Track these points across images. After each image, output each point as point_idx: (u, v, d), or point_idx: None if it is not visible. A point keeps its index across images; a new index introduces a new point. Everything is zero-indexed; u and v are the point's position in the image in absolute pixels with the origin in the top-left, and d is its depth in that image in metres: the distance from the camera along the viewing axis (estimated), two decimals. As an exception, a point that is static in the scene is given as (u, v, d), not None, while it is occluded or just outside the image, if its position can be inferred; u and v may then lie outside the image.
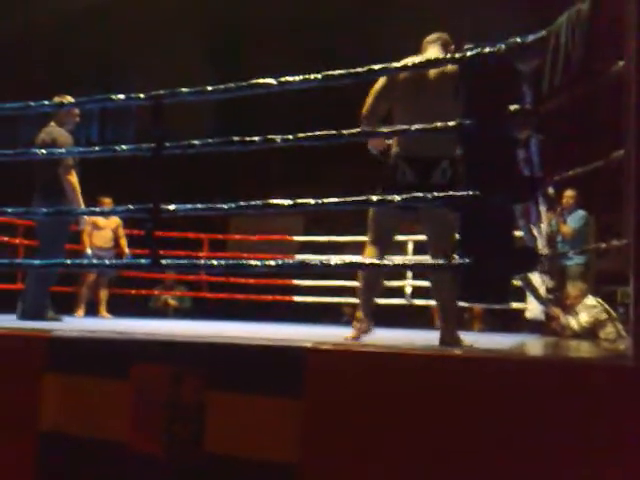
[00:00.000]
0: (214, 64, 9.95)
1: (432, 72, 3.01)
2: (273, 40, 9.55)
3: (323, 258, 6.14)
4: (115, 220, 7.14)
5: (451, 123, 2.34)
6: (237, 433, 2.13)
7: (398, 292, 6.98)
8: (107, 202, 7.05)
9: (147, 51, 9.43)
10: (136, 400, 2.26)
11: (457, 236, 3.02)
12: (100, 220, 7.04)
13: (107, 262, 3.37)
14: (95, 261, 6.44)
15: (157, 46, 9.46)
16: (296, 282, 7.67)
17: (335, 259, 2.81)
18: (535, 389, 1.83)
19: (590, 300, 5.47)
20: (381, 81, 3.13)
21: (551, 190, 4.49)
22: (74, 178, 4.78)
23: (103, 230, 7.14)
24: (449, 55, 2.36)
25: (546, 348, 3.30)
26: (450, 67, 2.91)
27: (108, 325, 4.57)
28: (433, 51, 3.13)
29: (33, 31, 9.16)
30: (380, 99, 3.13)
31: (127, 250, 7.11)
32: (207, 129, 9.04)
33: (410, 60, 3.00)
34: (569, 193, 6.22)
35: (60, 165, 4.72)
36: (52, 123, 4.93)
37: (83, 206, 4.81)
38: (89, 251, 6.69)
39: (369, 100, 3.16)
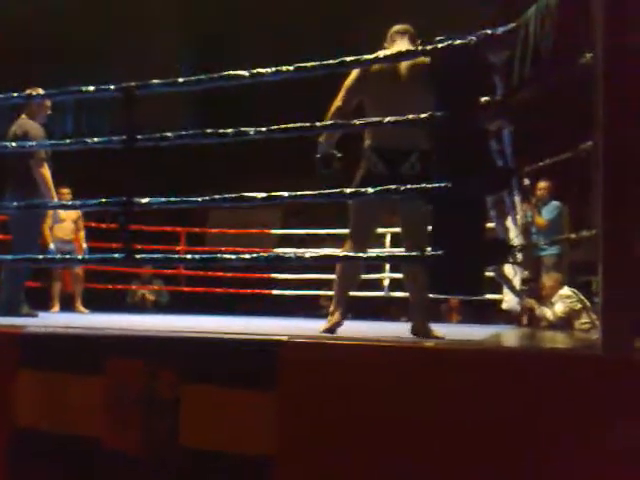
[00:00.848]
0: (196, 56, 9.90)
1: (404, 65, 3.02)
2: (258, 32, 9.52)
3: (300, 251, 6.17)
4: (76, 212, 7.01)
5: (423, 115, 2.35)
6: (212, 427, 2.13)
7: (376, 284, 7.00)
8: (65, 192, 6.96)
9: (131, 43, 9.37)
10: (111, 396, 2.25)
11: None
12: (61, 212, 6.86)
13: (80, 257, 3.33)
14: (68, 256, 6.40)
15: (141, 38, 9.40)
16: (274, 275, 7.67)
17: (310, 252, 2.81)
18: (505, 380, 1.84)
19: (565, 290, 5.53)
20: (353, 74, 3.13)
21: (527, 181, 4.53)
22: (46, 171, 4.72)
23: (64, 222, 7.02)
24: (421, 47, 2.36)
25: (517, 339, 3.33)
26: (422, 59, 2.92)
27: (83, 320, 4.53)
28: (403, 43, 3.13)
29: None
30: (352, 92, 3.14)
31: (84, 244, 7.05)
32: (195, 121, 9.01)
33: (382, 53, 3.01)
34: (542, 184, 6.27)
35: (32, 158, 4.66)
36: (23, 116, 4.87)
37: (56, 199, 4.75)
38: (52, 246, 6.63)
39: (341, 93, 3.15)
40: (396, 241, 6.61)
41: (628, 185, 1.87)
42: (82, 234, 7.14)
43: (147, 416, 2.20)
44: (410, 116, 2.40)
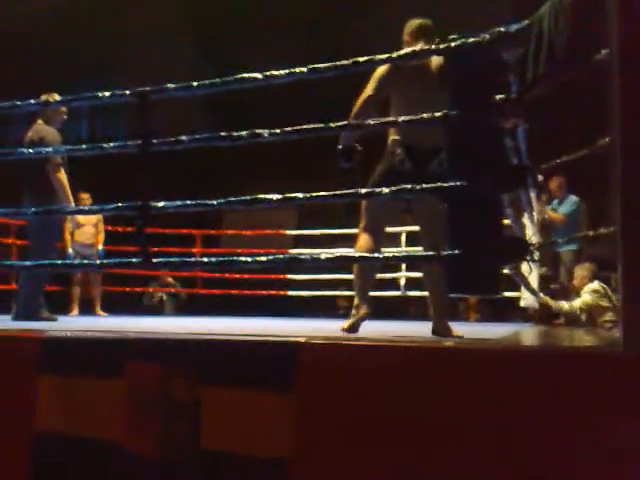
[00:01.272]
0: (207, 59, 9.93)
1: (434, 61, 2.97)
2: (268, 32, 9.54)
3: (316, 252, 6.17)
4: (96, 215, 7.07)
5: (438, 114, 2.34)
6: (232, 429, 2.13)
7: (392, 284, 6.98)
8: (85, 197, 7.02)
9: (140, 48, 9.42)
10: (130, 399, 2.26)
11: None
12: (80, 217, 6.93)
13: (98, 262, 3.35)
14: (84, 260, 6.45)
15: (150, 41, 9.44)
16: (290, 276, 7.67)
17: (325, 253, 2.80)
18: (525, 379, 1.83)
19: (594, 285, 5.41)
20: (384, 67, 3.08)
21: (540, 177, 4.49)
22: (63, 176, 4.76)
23: (84, 227, 7.09)
24: (436, 46, 2.35)
25: (536, 337, 3.31)
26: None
27: (102, 324, 4.56)
28: (423, 43, 3.08)
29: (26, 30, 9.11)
30: (384, 82, 3.09)
31: (101, 247, 7.10)
32: (207, 123, 9.04)
33: (404, 51, 2.99)
34: (557, 181, 6.23)
35: (49, 163, 4.69)
36: (39, 121, 4.91)
37: (73, 204, 4.79)
38: (70, 250, 6.69)
39: (372, 83, 3.11)
40: (412, 240, 6.59)
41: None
42: (101, 237, 7.21)
43: (166, 419, 2.20)
44: (426, 114, 2.39)
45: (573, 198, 6.24)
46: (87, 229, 7.14)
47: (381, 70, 3.11)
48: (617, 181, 1.86)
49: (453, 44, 2.23)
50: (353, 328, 3.05)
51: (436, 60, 2.96)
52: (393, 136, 3.07)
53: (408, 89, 3.05)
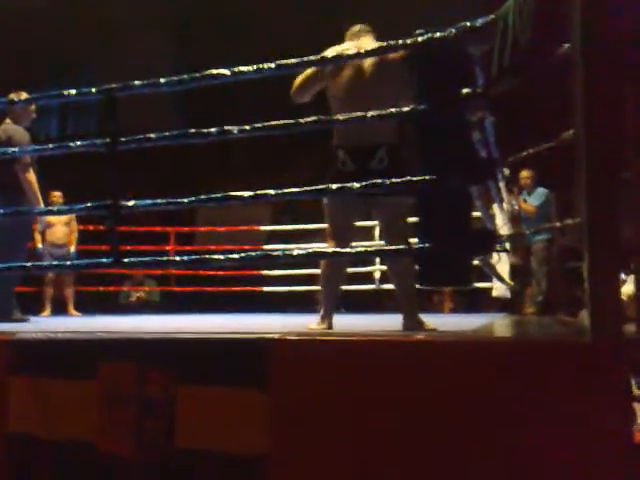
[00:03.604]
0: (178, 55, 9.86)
1: (368, 61, 3.01)
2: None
3: (291, 247, 6.17)
4: (68, 215, 6.96)
5: (406, 108, 2.35)
6: (207, 427, 2.13)
7: (367, 277, 7.01)
8: (57, 196, 6.91)
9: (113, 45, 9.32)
10: (104, 399, 2.25)
11: (410, 220, 3.07)
12: (51, 217, 6.75)
13: (68, 263, 3.32)
14: (55, 260, 6.36)
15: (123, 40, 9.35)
16: (265, 272, 7.66)
17: (299, 249, 2.81)
18: (496, 368, 1.86)
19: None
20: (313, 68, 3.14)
21: (507, 171, 4.53)
22: (32, 176, 4.68)
23: (55, 226, 6.96)
24: (401, 41, 2.37)
25: (507, 327, 3.35)
26: (388, 56, 2.91)
27: (74, 324, 4.52)
28: (367, 40, 3.13)
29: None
30: (311, 78, 3.16)
31: (73, 248, 7.00)
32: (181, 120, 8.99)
33: (350, 45, 3.03)
34: (525, 173, 6.31)
35: (18, 163, 4.62)
36: (7, 120, 4.83)
37: (42, 204, 4.72)
38: (40, 245, 6.59)
39: (298, 79, 3.18)
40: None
41: (610, 172, 1.88)
42: (73, 237, 7.09)
43: (141, 419, 2.20)
44: (393, 110, 2.41)
45: (541, 190, 6.33)
46: (58, 228, 7.02)
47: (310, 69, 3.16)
48: (581, 173, 1.90)
49: (420, 39, 2.24)
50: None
51: (374, 59, 2.98)
52: (334, 140, 3.12)
53: (341, 88, 3.08)
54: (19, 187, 4.63)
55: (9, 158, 4.49)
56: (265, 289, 7.71)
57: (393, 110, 2.43)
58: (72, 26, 9.37)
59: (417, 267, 2.72)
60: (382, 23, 3.20)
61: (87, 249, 6.93)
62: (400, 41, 2.34)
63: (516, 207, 5.80)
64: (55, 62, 9.59)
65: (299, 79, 3.19)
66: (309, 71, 3.16)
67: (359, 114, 2.58)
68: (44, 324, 4.71)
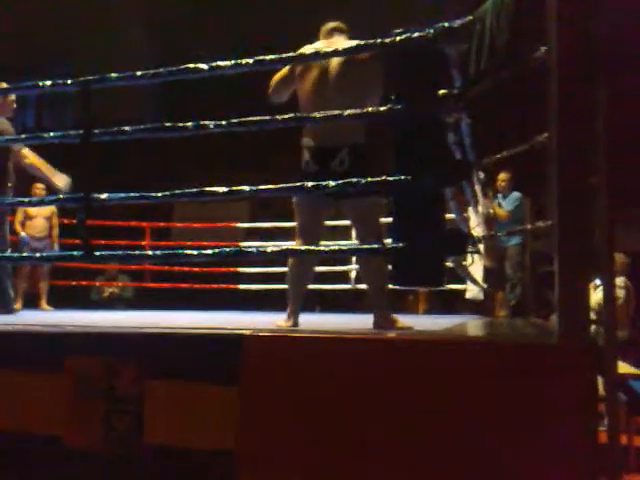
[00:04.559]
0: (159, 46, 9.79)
1: (335, 61, 3.01)
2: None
3: (265, 244, 6.15)
4: (50, 208, 6.87)
5: (382, 108, 2.35)
6: (176, 423, 2.12)
7: (343, 277, 7.02)
8: (40, 188, 6.82)
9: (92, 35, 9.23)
10: (73, 394, 2.23)
11: (382, 219, 3.08)
12: (31, 209, 6.76)
13: (38, 255, 3.28)
14: (27, 253, 6.27)
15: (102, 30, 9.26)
16: (241, 270, 7.63)
17: (272, 246, 2.80)
18: (465, 369, 1.87)
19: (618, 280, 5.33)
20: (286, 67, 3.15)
21: (482, 174, 4.56)
22: (32, 157, 4.65)
23: (35, 219, 6.88)
24: (379, 40, 2.37)
25: (478, 329, 3.38)
26: (357, 56, 2.91)
27: (44, 318, 4.46)
28: (340, 40, 3.14)
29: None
30: (284, 79, 3.17)
31: (57, 246, 6.91)
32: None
33: (324, 44, 3.04)
34: (503, 176, 6.34)
35: (10, 152, 4.57)
36: None
37: (57, 175, 4.64)
38: (23, 234, 6.53)
39: (274, 78, 3.19)
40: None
41: (582, 176, 1.90)
42: (55, 231, 7.00)
43: (109, 414, 2.18)
44: (370, 109, 2.41)
45: (516, 194, 6.34)
46: (38, 221, 6.93)
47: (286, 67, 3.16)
48: (553, 177, 1.92)
49: (397, 38, 2.25)
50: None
51: (341, 59, 2.98)
52: (303, 138, 3.13)
53: (307, 87, 3.09)
54: (2, 179, 4.58)
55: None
56: (241, 287, 7.68)
57: (370, 109, 2.43)
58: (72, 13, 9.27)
59: (390, 267, 2.74)
60: (365, 21, 3.20)
61: (66, 243, 6.86)
62: (377, 40, 2.34)
63: (491, 210, 5.84)
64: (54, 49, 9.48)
65: (273, 79, 3.20)
66: (283, 71, 3.17)
67: (338, 112, 2.58)
68: (14, 318, 4.65)
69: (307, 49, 3.08)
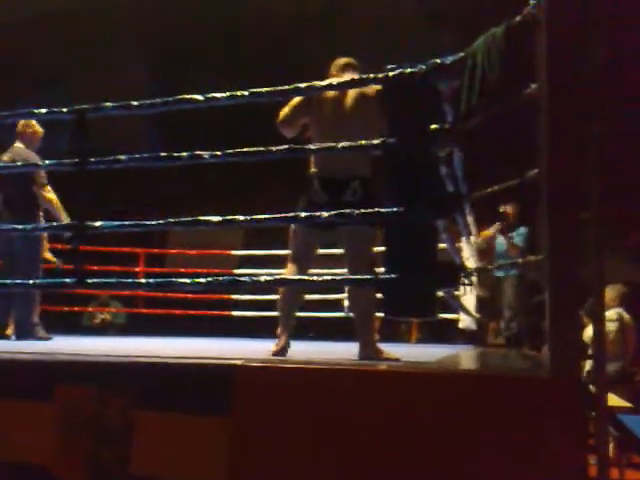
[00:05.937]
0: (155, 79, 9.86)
1: (350, 94, 3.07)
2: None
3: (261, 272, 6.14)
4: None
5: (376, 141, 2.38)
6: (163, 454, 2.10)
7: (336, 305, 7.00)
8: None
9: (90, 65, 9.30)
10: (60, 423, 2.21)
11: (375, 251, 3.10)
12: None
13: (30, 282, 3.28)
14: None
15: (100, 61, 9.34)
16: (235, 297, 7.61)
17: (265, 275, 2.80)
18: (455, 400, 1.87)
19: (610, 313, 5.31)
20: (299, 97, 3.17)
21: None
22: (52, 194, 4.73)
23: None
24: (372, 75, 2.41)
25: (469, 360, 3.37)
26: (368, 90, 3.01)
27: (35, 345, 4.43)
28: (352, 75, 3.15)
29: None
30: (298, 108, 3.19)
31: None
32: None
33: (334, 80, 3.06)
34: (510, 209, 6.31)
35: (34, 184, 4.65)
36: (19, 144, 4.82)
37: (67, 218, 4.68)
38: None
39: (285, 109, 3.20)
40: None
41: (572, 211, 1.92)
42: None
43: (98, 443, 2.16)
44: (364, 142, 2.44)
45: (522, 229, 6.30)
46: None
47: (295, 99, 3.19)
48: (544, 210, 1.94)
49: (390, 74, 2.28)
50: (281, 352, 3.10)
51: (356, 92, 3.05)
52: (312, 169, 3.15)
53: (322, 120, 3.13)
54: (32, 208, 4.65)
55: (25, 179, 4.56)
56: (234, 313, 7.65)
57: (363, 142, 2.46)
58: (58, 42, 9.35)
59: (382, 297, 2.74)
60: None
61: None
62: (372, 75, 2.37)
63: (506, 246, 5.79)
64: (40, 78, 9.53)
65: (285, 110, 3.21)
66: (294, 102, 3.19)
67: (332, 145, 2.61)
68: (4, 344, 4.62)
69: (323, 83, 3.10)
